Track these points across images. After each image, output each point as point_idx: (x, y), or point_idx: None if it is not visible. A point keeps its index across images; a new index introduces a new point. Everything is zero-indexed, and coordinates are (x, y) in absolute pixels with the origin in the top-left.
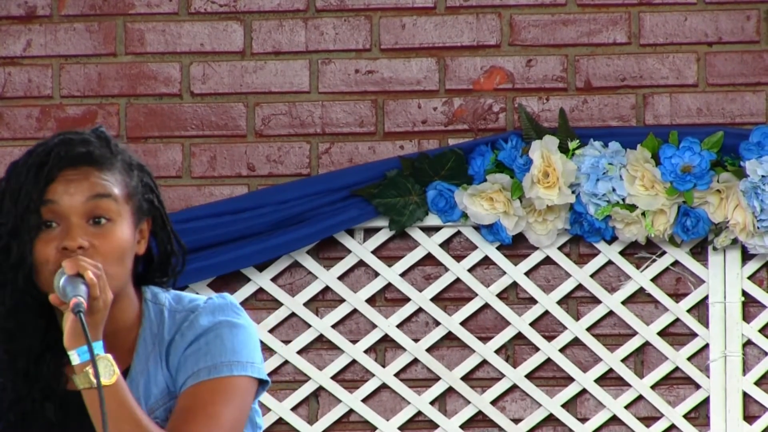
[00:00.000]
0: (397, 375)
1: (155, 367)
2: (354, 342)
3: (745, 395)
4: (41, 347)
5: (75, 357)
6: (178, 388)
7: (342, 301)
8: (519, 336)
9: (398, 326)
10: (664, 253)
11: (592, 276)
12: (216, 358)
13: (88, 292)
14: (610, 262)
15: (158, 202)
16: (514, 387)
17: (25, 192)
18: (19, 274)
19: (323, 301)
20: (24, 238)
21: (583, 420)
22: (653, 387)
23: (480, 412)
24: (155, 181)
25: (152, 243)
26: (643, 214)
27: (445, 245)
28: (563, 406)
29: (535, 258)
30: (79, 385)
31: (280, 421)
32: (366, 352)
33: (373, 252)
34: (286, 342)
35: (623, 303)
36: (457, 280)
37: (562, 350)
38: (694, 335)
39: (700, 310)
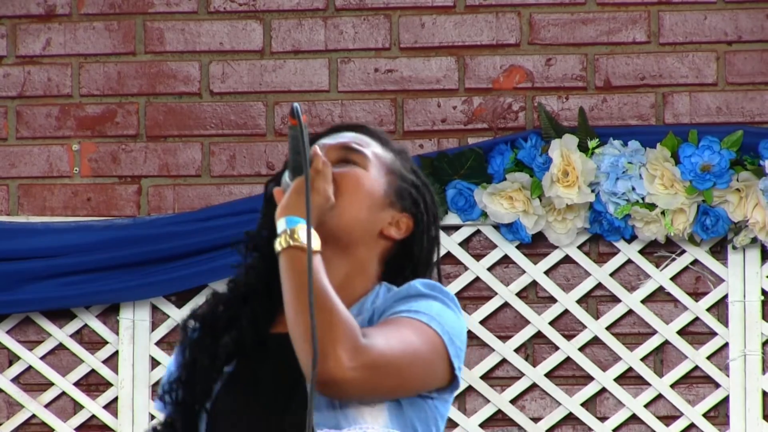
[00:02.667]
0: None
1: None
2: None
3: (765, 394)
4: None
5: (282, 223)
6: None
7: None
8: (538, 335)
9: None
10: (683, 252)
11: (611, 275)
12: (422, 310)
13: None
14: (629, 261)
15: (424, 209)
16: (534, 386)
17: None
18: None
19: None
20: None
21: (603, 419)
22: (672, 386)
23: (499, 411)
24: (432, 199)
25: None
26: (663, 213)
27: (464, 244)
28: (583, 405)
29: (554, 257)
30: (278, 247)
31: None
32: None
33: None
34: None
35: (643, 302)
36: (477, 279)
37: (581, 349)
38: (713, 334)
39: (720, 309)
